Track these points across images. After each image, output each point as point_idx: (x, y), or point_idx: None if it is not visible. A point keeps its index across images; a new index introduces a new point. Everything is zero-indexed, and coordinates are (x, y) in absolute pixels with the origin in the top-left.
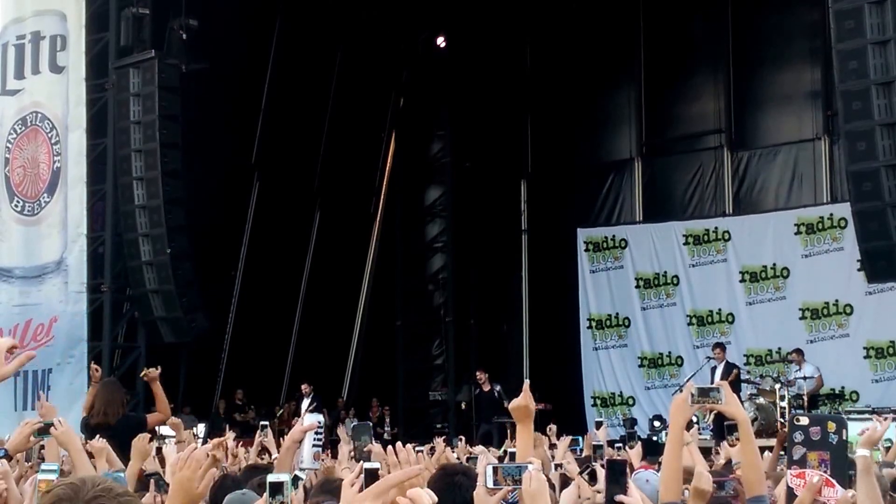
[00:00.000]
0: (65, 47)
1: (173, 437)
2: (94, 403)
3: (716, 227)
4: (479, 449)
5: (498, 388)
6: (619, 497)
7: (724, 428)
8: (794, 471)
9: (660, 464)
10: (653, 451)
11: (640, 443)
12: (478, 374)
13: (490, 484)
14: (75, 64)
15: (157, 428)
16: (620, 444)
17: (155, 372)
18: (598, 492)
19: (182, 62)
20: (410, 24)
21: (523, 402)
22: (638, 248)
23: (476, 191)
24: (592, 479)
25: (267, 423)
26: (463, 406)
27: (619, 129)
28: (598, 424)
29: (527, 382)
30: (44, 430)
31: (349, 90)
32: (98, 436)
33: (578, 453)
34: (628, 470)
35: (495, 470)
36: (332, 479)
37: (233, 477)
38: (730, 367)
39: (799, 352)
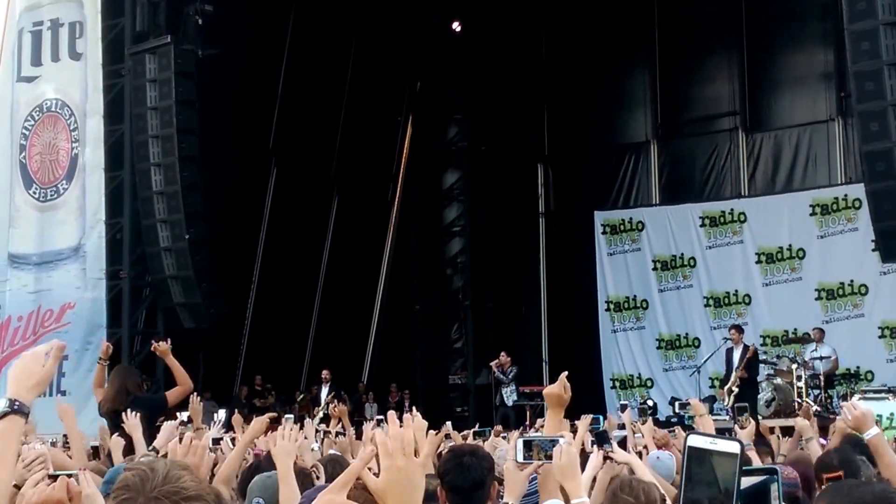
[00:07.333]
0: (82, 34)
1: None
2: (107, 390)
3: (731, 209)
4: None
5: (514, 370)
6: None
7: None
8: None
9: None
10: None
11: (650, 419)
12: (502, 356)
13: (521, 458)
14: (92, 50)
15: (177, 413)
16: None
17: (164, 345)
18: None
19: (198, 48)
20: (424, 8)
21: (557, 390)
22: (655, 230)
23: (493, 174)
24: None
25: (291, 416)
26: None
27: (635, 112)
28: (623, 407)
29: (564, 374)
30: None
31: (365, 75)
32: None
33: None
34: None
35: (526, 444)
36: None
37: (257, 464)
38: (746, 347)
39: (820, 330)
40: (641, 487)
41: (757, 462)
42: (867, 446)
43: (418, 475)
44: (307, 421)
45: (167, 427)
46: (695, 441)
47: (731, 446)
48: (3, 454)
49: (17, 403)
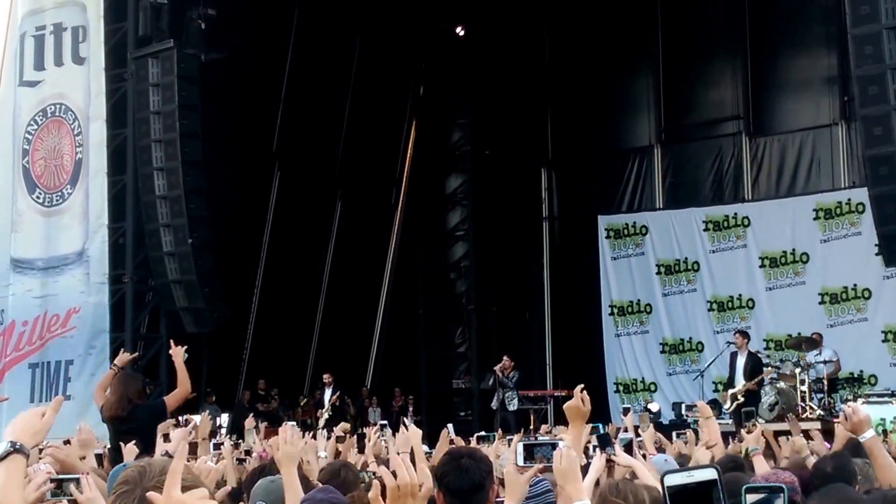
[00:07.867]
0: (86, 38)
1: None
2: (109, 397)
3: (735, 213)
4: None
5: (516, 375)
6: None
7: (741, 415)
8: None
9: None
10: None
11: (651, 426)
12: (505, 360)
13: (521, 462)
14: (95, 54)
15: (188, 417)
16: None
17: (181, 351)
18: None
19: (201, 52)
20: (428, 12)
21: (576, 402)
22: (658, 234)
23: (497, 179)
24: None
25: (294, 422)
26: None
27: (639, 116)
28: (626, 411)
29: (580, 386)
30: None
31: (368, 79)
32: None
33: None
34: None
35: (526, 448)
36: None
37: (263, 466)
38: (754, 360)
39: (818, 335)
40: (629, 489)
41: (763, 465)
42: None
43: None
44: (320, 411)
45: (180, 434)
46: (672, 480)
47: (708, 473)
48: (10, 487)
49: (18, 444)
